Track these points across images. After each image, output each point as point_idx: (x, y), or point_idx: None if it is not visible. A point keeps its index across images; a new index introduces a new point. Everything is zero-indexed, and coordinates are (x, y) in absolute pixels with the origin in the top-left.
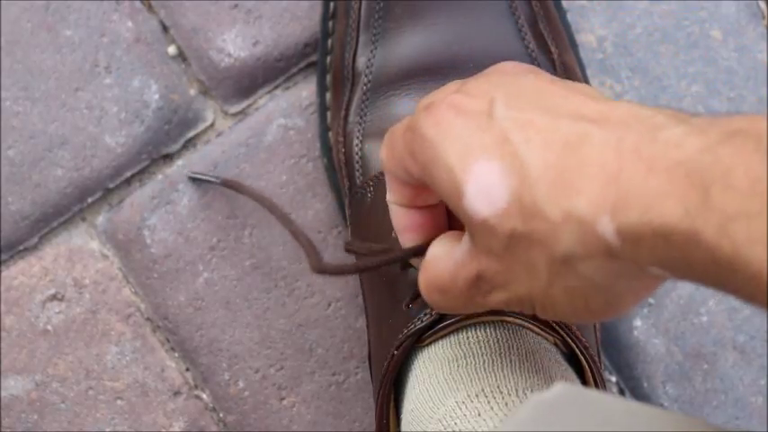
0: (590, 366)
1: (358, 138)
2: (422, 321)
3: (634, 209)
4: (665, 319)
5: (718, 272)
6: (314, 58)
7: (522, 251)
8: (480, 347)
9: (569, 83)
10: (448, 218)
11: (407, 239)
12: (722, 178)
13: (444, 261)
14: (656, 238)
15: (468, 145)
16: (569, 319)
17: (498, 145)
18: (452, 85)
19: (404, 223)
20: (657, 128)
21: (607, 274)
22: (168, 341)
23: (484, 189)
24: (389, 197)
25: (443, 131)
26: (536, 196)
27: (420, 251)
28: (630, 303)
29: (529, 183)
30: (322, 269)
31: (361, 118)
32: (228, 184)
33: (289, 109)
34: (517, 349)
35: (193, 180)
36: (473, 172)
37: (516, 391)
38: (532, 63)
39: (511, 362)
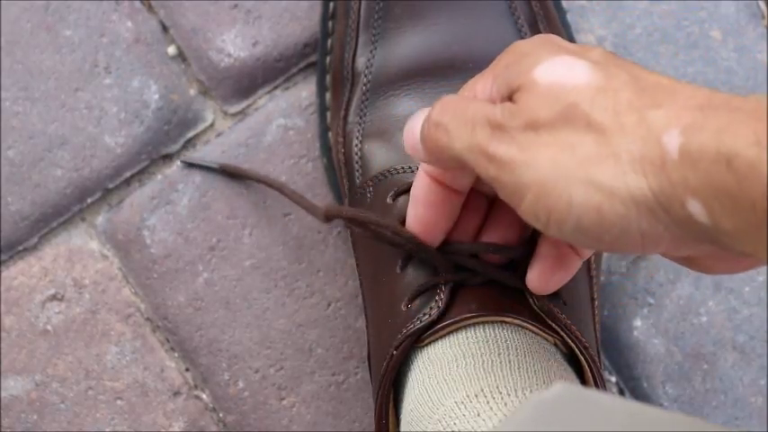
0: (590, 366)
1: (358, 138)
2: (421, 321)
3: (707, 131)
4: (665, 320)
5: (765, 208)
6: (313, 58)
7: (570, 129)
8: (479, 348)
9: None
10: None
11: (418, 216)
12: None
13: (478, 98)
14: (717, 160)
15: (561, 48)
16: (564, 220)
17: (593, 62)
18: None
19: (423, 194)
20: (749, 95)
21: (644, 188)
22: (168, 341)
23: (568, 65)
24: (425, 165)
25: (540, 44)
26: (618, 94)
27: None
28: (631, 242)
29: (614, 83)
30: (329, 215)
31: (360, 118)
32: (226, 169)
33: (288, 109)
34: (516, 349)
35: (189, 166)
36: (561, 55)
37: (516, 391)
38: None
39: (510, 362)
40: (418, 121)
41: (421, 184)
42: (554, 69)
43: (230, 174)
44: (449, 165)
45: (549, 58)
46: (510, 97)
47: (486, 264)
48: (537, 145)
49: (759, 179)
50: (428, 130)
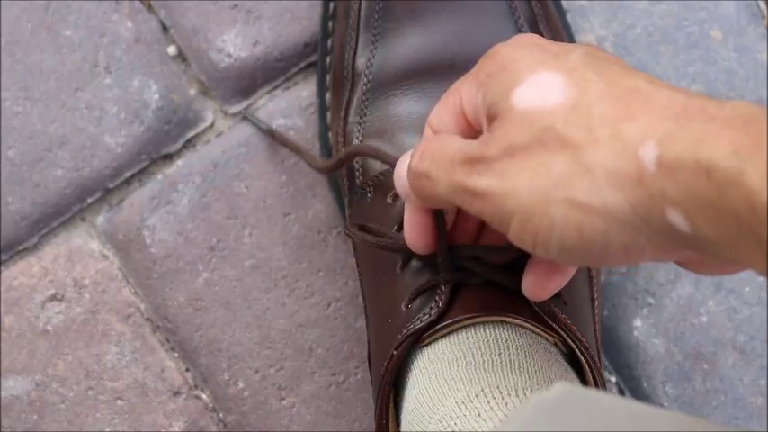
0: (590, 366)
1: (358, 138)
2: (421, 321)
3: (685, 140)
4: (665, 320)
5: (749, 218)
6: (314, 58)
7: (545, 151)
8: (480, 347)
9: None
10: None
11: (414, 221)
12: None
13: (452, 137)
14: (696, 171)
15: (540, 61)
16: (548, 240)
17: (569, 70)
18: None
19: (416, 221)
20: (725, 101)
21: (621, 203)
22: (168, 341)
23: (542, 85)
24: (432, 119)
25: (521, 50)
26: (591, 108)
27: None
28: (616, 256)
29: (589, 97)
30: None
31: (360, 118)
32: (274, 135)
33: (289, 109)
34: (517, 349)
35: (245, 118)
36: (537, 72)
37: (516, 391)
38: None
39: (510, 362)
40: (404, 168)
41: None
42: (528, 94)
43: (275, 138)
44: (440, 206)
45: (526, 77)
46: (491, 120)
47: (486, 265)
48: (515, 171)
49: (740, 189)
50: (412, 179)
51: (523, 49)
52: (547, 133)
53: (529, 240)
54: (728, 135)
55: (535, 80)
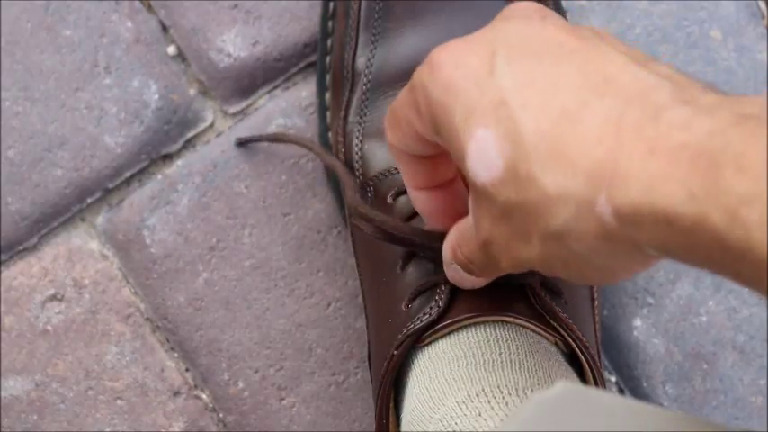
0: (590, 366)
1: (358, 138)
2: (421, 321)
3: (633, 189)
4: (665, 320)
5: (724, 257)
6: (313, 58)
7: (517, 220)
8: (480, 347)
9: (580, 31)
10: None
11: (437, 224)
12: (734, 161)
13: (468, 225)
14: (657, 221)
15: (468, 108)
16: (568, 279)
17: (495, 108)
18: (458, 40)
19: (429, 208)
20: (661, 107)
21: (602, 254)
22: (168, 341)
23: (481, 157)
24: (408, 183)
25: (446, 90)
26: (531, 166)
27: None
28: (625, 277)
29: (524, 151)
30: (356, 211)
31: (360, 118)
32: (275, 138)
33: (288, 109)
34: (517, 349)
35: (240, 145)
36: (473, 135)
37: (517, 390)
38: None
39: (511, 361)
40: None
41: (418, 204)
42: (477, 171)
43: (278, 140)
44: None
45: (466, 145)
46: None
47: None
48: (512, 242)
49: (707, 234)
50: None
51: (451, 85)
52: (508, 206)
53: (550, 275)
54: (678, 176)
55: (473, 148)
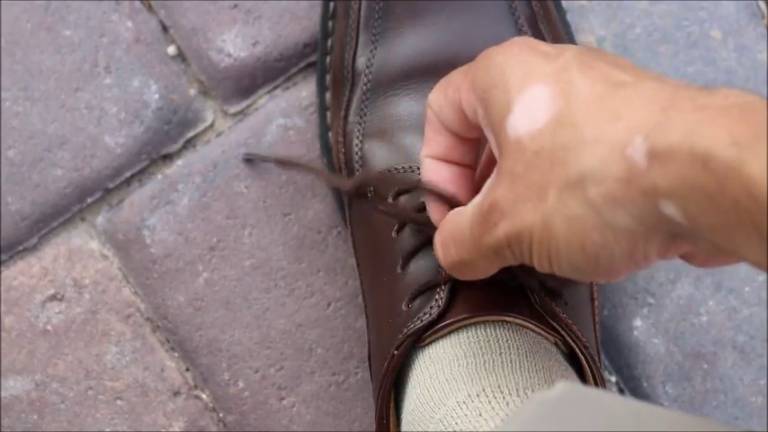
0: (590, 366)
1: (358, 138)
2: (421, 321)
3: (676, 130)
4: (665, 319)
5: (751, 205)
6: (314, 58)
7: (538, 173)
8: (480, 347)
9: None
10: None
11: (434, 213)
12: None
13: (462, 214)
14: (691, 161)
15: (530, 71)
16: (561, 264)
17: (557, 73)
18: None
19: (436, 178)
20: (715, 89)
21: (612, 208)
22: (168, 341)
23: (529, 108)
24: (424, 151)
25: (512, 57)
26: (576, 116)
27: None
28: (623, 264)
29: (574, 106)
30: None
31: (360, 118)
32: (283, 161)
33: (288, 109)
34: (517, 349)
35: (247, 161)
36: (526, 93)
37: (517, 390)
38: None
39: (511, 361)
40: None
41: (427, 170)
42: (518, 121)
43: (286, 165)
44: (492, 271)
45: (515, 97)
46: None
47: None
48: (520, 205)
49: (741, 180)
50: (453, 272)
51: (515, 56)
52: (538, 157)
53: (546, 266)
54: (725, 124)
55: (524, 101)
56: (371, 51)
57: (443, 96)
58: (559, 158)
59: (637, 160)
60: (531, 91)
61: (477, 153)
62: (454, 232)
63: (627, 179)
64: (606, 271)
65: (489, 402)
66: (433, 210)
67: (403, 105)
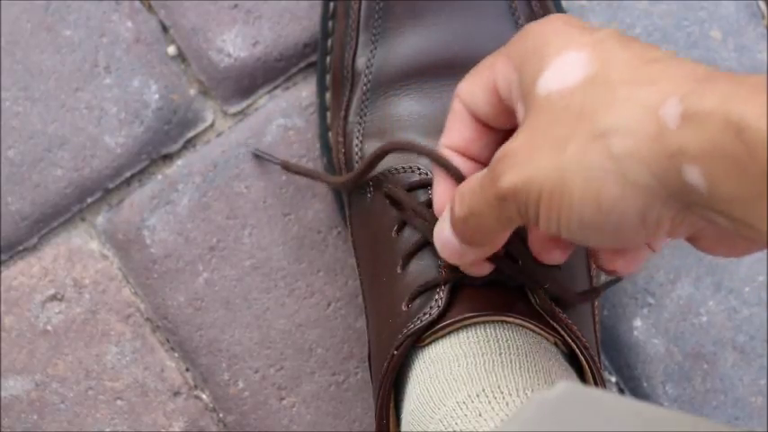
0: (590, 366)
1: (358, 138)
2: (421, 321)
3: (712, 97)
4: (665, 320)
5: None
6: (314, 58)
7: (562, 127)
8: (480, 347)
9: None
10: None
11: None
12: None
13: (474, 178)
14: (724, 128)
15: (568, 40)
16: (570, 219)
17: (595, 43)
18: None
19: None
20: (750, 74)
21: (635, 164)
22: (168, 341)
23: (563, 69)
24: (444, 140)
25: (550, 28)
26: (611, 77)
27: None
28: (632, 227)
29: (609, 68)
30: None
31: (360, 118)
32: (287, 166)
33: (288, 109)
34: (517, 349)
35: (256, 157)
36: (562, 56)
37: (517, 390)
38: None
39: (511, 362)
40: (443, 232)
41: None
42: (551, 79)
43: (291, 170)
44: (495, 244)
45: (551, 60)
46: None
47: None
48: (535, 156)
49: None
50: (461, 229)
51: (554, 29)
52: (565, 111)
53: (554, 223)
54: (759, 100)
55: (559, 62)
56: (371, 51)
57: (477, 79)
58: (588, 114)
59: (668, 121)
60: (568, 54)
61: (493, 152)
62: (470, 182)
63: (655, 137)
64: (614, 232)
65: (489, 402)
66: (439, 187)
67: (403, 105)
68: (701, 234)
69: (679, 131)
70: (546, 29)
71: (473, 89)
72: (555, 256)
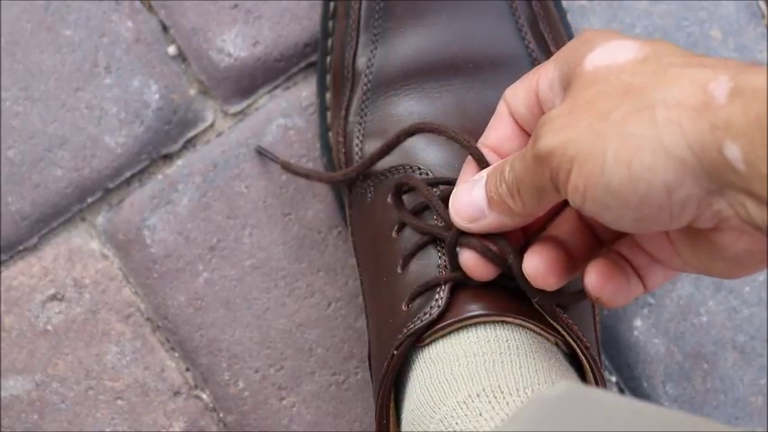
0: (590, 366)
1: (358, 138)
2: (421, 321)
3: (761, 79)
4: (665, 320)
5: None
6: (314, 58)
7: (607, 100)
8: (481, 347)
9: None
10: None
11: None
12: None
13: (540, 86)
14: None
15: (618, 35)
16: (597, 186)
17: (644, 40)
18: None
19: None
20: None
21: (675, 134)
22: (168, 341)
23: (613, 50)
24: (482, 138)
25: (597, 33)
26: (661, 59)
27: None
28: (657, 201)
29: (660, 53)
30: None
31: (361, 118)
32: (288, 167)
33: (289, 109)
34: (517, 349)
35: (259, 153)
36: (611, 41)
37: (517, 390)
38: (533, 63)
39: (511, 361)
40: (472, 190)
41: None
42: (600, 56)
43: (290, 171)
44: (527, 216)
45: (601, 44)
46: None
47: None
48: (576, 122)
49: None
50: (499, 204)
51: (601, 31)
52: (611, 86)
53: (580, 191)
54: None
55: (609, 45)
56: (372, 51)
57: (524, 81)
58: (636, 90)
59: (717, 96)
60: (618, 41)
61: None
62: (514, 155)
63: (701, 110)
64: (638, 206)
65: (489, 402)
66: (465, 175)
67: (403, 105)
68: (723, 226)
69: (727, 106)
70: (593, 31)
71: (517, 91)
72: (549, 281)
